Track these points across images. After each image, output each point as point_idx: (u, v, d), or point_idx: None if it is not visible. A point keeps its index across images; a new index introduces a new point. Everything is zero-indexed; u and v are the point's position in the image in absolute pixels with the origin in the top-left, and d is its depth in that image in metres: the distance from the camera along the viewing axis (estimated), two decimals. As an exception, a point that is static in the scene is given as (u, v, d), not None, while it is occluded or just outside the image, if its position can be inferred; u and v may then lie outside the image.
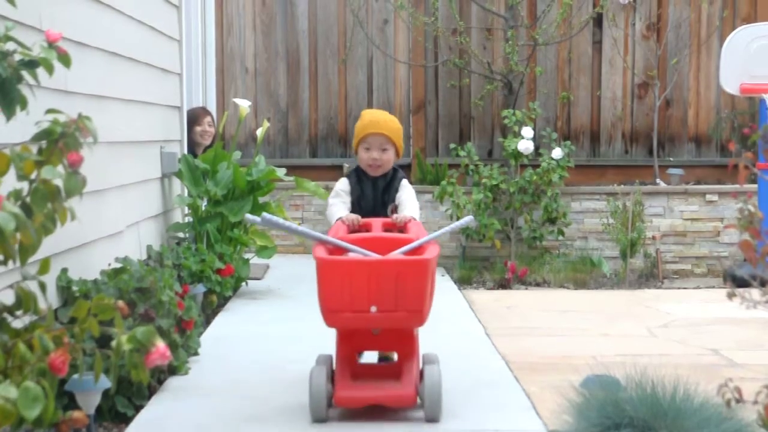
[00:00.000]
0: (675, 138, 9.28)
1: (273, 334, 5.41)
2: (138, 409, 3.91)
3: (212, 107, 8.20)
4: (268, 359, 4.82)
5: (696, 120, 9.27)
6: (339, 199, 4.41)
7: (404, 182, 4.49)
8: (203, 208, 6.38)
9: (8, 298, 2.59)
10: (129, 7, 5.44)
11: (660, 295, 7.34)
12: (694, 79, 9.24)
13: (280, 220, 4.29)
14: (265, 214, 4.12)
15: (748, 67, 7.51)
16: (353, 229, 4.21)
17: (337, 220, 4.27)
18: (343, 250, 4.00)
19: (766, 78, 7.43)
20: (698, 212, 8.36)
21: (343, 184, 4.47)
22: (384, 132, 4.38)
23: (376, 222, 4.25)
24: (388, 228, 4.25)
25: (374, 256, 3.89)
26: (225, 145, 7.04)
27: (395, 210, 4.40)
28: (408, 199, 4.42)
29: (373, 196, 4.45)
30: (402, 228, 4.26)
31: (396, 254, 3.94)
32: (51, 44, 2.68)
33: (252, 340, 5.24)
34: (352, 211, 4.35)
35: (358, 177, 4.47)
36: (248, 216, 4.54)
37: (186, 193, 6.56)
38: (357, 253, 3.92)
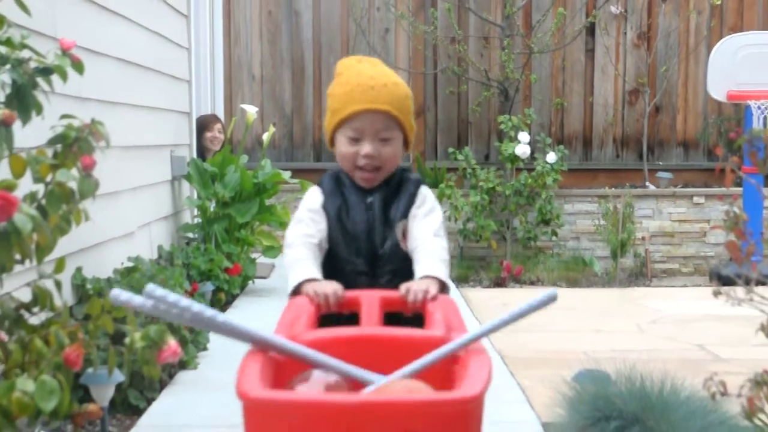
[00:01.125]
0: (664, 143, 9.30)
1: (278, 331, 5.41)
2: (150, 401, 3.93)
3: (220, 113, 8.22)
4: (273, 354, 4.82)
5: (684, 125, 9.29)
6: (302, 232, 2.46)
7: (424, 190, 2.55)
8: (212, 210, 6.39)
9: (25, 295, 2.61)
10: (140, 17, 5.45)
11: (649, 293, 7.35)
12: (682, 87, 9.26)
13: (181, 302, 1.95)
14: (151, 287, 2.00)
15: (734, 74, 7.54)
16: (327, 310, 2.25)
17: (300, 289, 2.31)
18: (303, 365, 1.98)
19: (751, 85, 7.46)
20: (686, 214, 8.37)
21: (311, 200, 2.54)
22: (386, 107, 2.43)
23: (370, 298, 2.25)
24: (390, 310, 2.25)
25: (369, 379, 1.95)
26: (233, 149, 7.06)
27: (406, 232, 2.47)
28: (428, 226, 2.46)
29: (366, 212, 2.49)
30: (419, 310, 2.24)
31: (404, 378, 1.94)
32: (65, 52, 2.69)
33: (258, 336, 5.25)
34: (332, 239, 2.47)
35: (338, 182, 2.55)
36: (118, 295, 2.11)
37: (195, 195, 6.57)
38: (331, 374, 1.94)
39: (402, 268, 2.42)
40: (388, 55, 9.23)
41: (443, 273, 2.34)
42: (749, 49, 7.62)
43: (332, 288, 2.25)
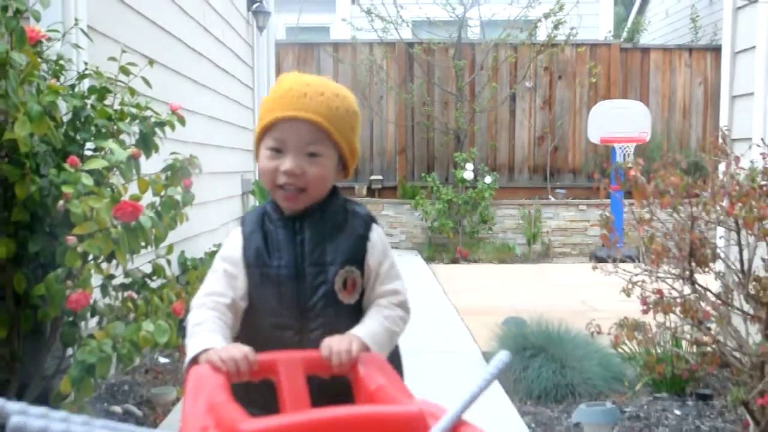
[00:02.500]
0: (560, 170, 9.29)
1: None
2: (227, 338, 3.92)
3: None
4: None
5: (573, 159, 9.28)
6: (210, 290, 1.33)
7: (378, 235, 1.36)
8: (268, 213, 6.39)
9: (147, 269, 2.61)
10: (221, 89, 5.46)
11: (550, 267, 7.36)
12: (572, 134, 9.25)
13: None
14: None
15: (604, 127, 7.56)
16: (239, 378, 1.14)
17: (198, 359, 1.18)
18: None
19: (615, 134, 7.48)
20: (574, 216, 8.37)
21: (229, 246, 1.37)
22: (315, 117, 1.29)
23: (289, 362, 1.16)
24: (312, 373, 1.17)
25: None
26: (281, 174, 7.08)
27: (354, 285, 1.31)
28: (393, 292, 1.34)
29: (295, 252, 1.32)
30: (348, 373, 1.18)
31: None
32: (173, 111, 2.69)
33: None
34: (252, 287, 1.32)
35: (263, 216, 1.37)
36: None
37: (257, 204, 6.58)
38: None
39: (337, 323, 1.28)
40: (382, 113, 9.21)
41: (378, 338, 1.25)
42: (614, 110, 7.65)
43: (241, 352, 1.15)
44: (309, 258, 1.31)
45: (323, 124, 1.30)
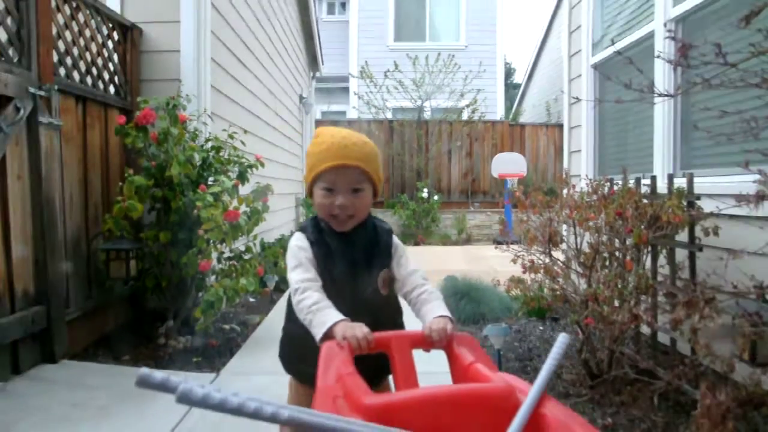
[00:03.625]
0: (476, 191, 9.29)
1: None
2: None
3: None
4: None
5: (484, 185, 9.30)
6: (308, 277, 0.98)
7: (396, 240, 1.14)
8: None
9: (243, 248, 2.60)
10: (285, 145, 5.44)
11: (472, 248, 7.28)
12: (483, 172, 9.23)
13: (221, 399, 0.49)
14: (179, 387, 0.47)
15: (500, 167, 7.59)
16: (360, 353, 0.85)
17: (331, 331, 0.88)
18: None
19: (507, 171, 7.51)
20: (484, 218, 8.34)
21: (302, 246, 1.03)
22: (357, 163, 1.03)
23: (400, 339, 0.86)
24: (417, 348, 0.89)
25: None
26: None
27: (387, 281, 1.07)
28: (413, 270, 1.09)
29: (351, 256, 1.04)
30: (444, 347, 0.89)
31: None
32: (257, 159, 2.70)
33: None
34: (323, 284, 0.96)
35: (319, 229, 1.06)
36: (148, 376, 0.53)
37: (302, 212, 6.55)
38: None
39: (377, 310, 1.07)
40: (375, 160, 9.16)
41: (447, 308, 1.03)
42: (506, 158, 7.69)
43: (361, 331, 0.90)
44: (360, 264, 1.08)
45: (363, 167, 1.07)
